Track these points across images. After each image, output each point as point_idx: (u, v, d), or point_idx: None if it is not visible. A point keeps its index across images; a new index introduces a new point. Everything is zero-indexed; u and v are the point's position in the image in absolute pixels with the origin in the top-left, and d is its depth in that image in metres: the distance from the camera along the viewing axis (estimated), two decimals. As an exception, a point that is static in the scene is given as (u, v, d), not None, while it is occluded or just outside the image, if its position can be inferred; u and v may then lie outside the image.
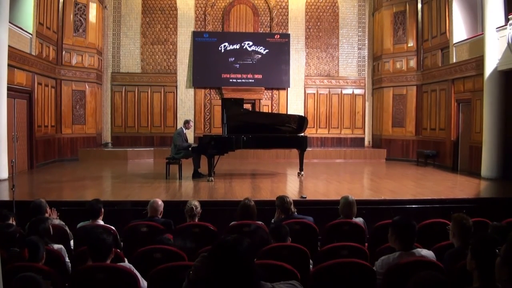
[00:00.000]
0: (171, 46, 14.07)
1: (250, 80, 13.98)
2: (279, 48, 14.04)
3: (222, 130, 8.96)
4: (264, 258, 3.11)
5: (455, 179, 9.56)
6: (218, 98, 13.88)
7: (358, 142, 14.50)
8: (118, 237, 4.23)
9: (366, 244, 4.16)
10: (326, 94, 14.50)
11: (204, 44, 13.86)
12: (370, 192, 7.96)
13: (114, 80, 13.95)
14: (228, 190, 7.67)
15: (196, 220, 4.45)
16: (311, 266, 3.44)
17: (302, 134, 9.50)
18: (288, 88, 14.24)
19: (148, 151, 13.01)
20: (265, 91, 14.19)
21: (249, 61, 13.97)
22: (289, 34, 14.18)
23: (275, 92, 14.28)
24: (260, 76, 14.00)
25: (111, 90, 13.94)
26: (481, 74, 9.36)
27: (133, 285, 2.85)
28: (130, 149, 13.02)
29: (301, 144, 9.28)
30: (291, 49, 14.13)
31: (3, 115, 8.46)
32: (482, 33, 9.38)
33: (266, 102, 14.24)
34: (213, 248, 1.70)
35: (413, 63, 12.98)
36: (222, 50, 13.88)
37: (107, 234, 3.04)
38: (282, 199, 4.57)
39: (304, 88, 14.41)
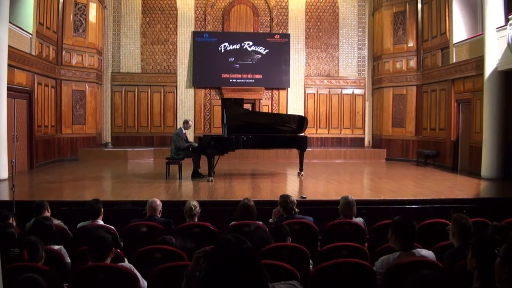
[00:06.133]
0: (171, 46, 14.08)
1: (250, 80, 13.98)
2: (279, 48, 14.04)
3: (222, 130, 8.96)
4: (264, 258, 3.11)
5: (455, 179, 9.55)
6: (218, 98, 13.88)
7: (358, 142, 14.51)
8: (118, 237, 4.23)
9: (366, 244, 4.16)
10: (326, 94, 14.50)
11: (204, 44, 13.86)
12: (370, 192, 7.96)
13: (114, 80, 13.95)
14: (228, 190, 7.67)
15: (196, 220, 4.46)
16: (311, 266, 3.44)
17: (302, 134, 9.50)
18: (288, 88, 14.24)
19: (148, 151, 13.01)
20: (265, 91, 14.19)
21: (249, 61, 13.97)
22: (289, 34, 14.18)
23: (275, 92, 14.29)
24: (260, 76, 14.00)
25: (111, 90, 13.94)
26: (481, 74, 9.36)
27: (133, 285, 2.85)
28: (130, 149, 13.02)
29: (301, 144, 9.28)
30: (291, 49, 14.14)
31: (3, 115, 8.46)
32: (482, 33, 9.38)
33: (266, 102, 14.24)
34: (217, 248, 1.61)
35: (413, 63, 12.99)
36: (222, 50, 13.88)
37: (107, 233, 3.04)
38: (285, 198, 4.56)
39: (304, 88, 14.41)
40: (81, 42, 12.49)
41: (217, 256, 1.58)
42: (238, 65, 13.92)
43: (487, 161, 9.18)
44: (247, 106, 13.46)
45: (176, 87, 14.07)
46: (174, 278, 2.73)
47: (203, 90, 14.15)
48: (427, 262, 2.90)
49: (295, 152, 10.00)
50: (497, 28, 8.92)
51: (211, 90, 14.20)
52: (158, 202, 4.62)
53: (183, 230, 4.17)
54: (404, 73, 13.18)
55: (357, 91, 14.56)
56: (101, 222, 4.39)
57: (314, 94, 14.48)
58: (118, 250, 3.53)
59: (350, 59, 14.59)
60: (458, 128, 10.98)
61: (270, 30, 14.26)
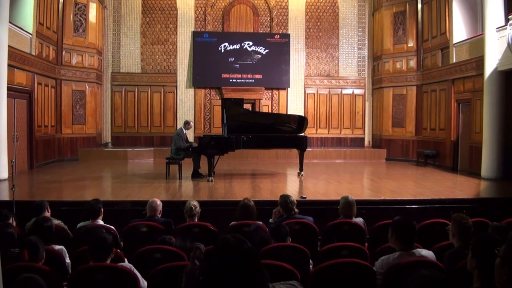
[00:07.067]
0: (171, 46, 14.08)
1: (250, 80, 13.98)
2: (279, 48, 14.04)
3: (222, 130, 8.96)
4: (264, 258, 3.11)
5: (455, 179, 9.56)
6: (218, 98, 13.88)
7: (358, 142, 14.51)
8: (118, 237, 4.23)
9: (366, 244, 4.16)
10: (326, 94, 14.50)
11: (204, 44, 13.86)
12: (370, 192, 7.96)
13: (114, 80, 13.95)
14: (228, 190, 7.67)
15: (196, 220, 4.45)
16: (311, 266, 3.44)
17: (302, 134, 9.50)
18: (288, 88, 14.24)
19: (148, 151, 13.02)
20: (265, 91, 14.19)
21: (249, 61, 13.97)
22: (289, 34, 14.18)
23: (275, 92, 14.29)
24: (260, 76, 14.00)
25: (111, 90, 13.94)
26: (481, 74, 9.36)
27: (133, 285, 2.85)
28: (130, 149, 13.03)
29: (301, 144, 9.28)
30: (291, 49, 14.13)
31: (3, 115, 8.46)
32: (482, 33, 9.38)
33: (266, 102, 14.24)
34: (217, 248, 1.61)
35: (413, 63, 12.99)
36: (222, 50, 13.88)
37: (108, 233, 3.04)
38: (285, 199, 4.56)
39: (304, 88, 14.41)
40: (81, 42, 12.50)
41: (217, 257, 1.58)
42: (238, 65, 13.92)
43: (487, 161, 9.18)
44: (247, 106, 13.46)
45: (176, 87, 14.07)
46: (174, 278, 2.74)
47: (203, 90, 14.14)
48: (427, 262, 2.90)
49: (295, 152, 10.00)
50: (497, 28, 8.92)
51: (211, 90, 14.20)
52: (158, 202, 4.62)
53: (183, 230, 4.17)
54: (404, 73, 13.18)
55: (357, 91, 14.56)
56: (101, 222, 4.39)
57: (314, 94, 14.48)
58: (118, 250, 3.53)
59: (350, 59, 14.59)
60: (458, 128, 10.98)
61: (270, 30, 14.26)
